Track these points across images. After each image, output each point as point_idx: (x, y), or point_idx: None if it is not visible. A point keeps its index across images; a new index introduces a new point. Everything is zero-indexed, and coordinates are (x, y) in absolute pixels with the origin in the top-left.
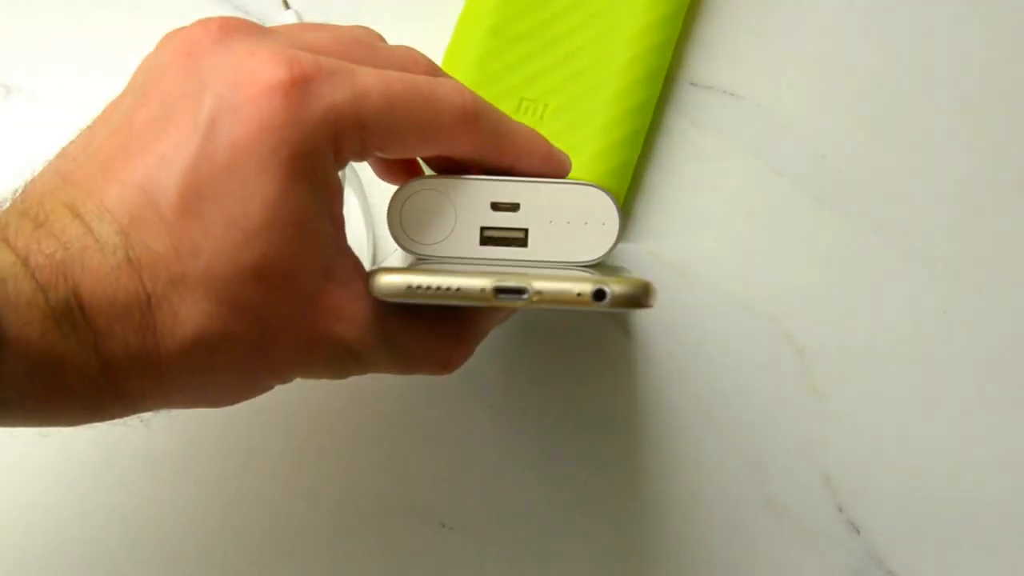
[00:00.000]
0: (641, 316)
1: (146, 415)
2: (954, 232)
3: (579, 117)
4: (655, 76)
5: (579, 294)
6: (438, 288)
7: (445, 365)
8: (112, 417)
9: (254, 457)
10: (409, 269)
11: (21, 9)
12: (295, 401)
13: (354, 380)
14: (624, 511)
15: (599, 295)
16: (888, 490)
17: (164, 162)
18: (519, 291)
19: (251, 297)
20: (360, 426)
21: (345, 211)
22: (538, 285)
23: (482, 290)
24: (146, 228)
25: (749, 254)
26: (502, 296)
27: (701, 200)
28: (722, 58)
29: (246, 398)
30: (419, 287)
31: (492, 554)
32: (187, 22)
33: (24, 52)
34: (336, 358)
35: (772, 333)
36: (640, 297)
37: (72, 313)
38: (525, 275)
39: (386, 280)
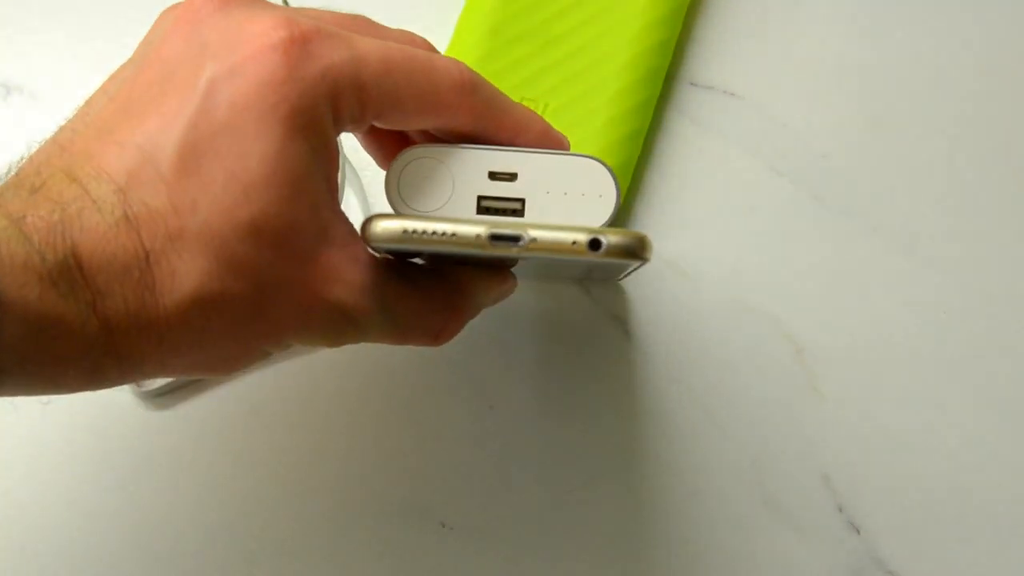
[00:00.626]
0: (641, 316)
1: (149, 416)
2: (954, 232)
3: (579, 117)
4: (655, 76)
5: (574, 242)
6: (434, 233)
7: (437, 335)
8: (111, 383)
9: (253, 457)
10: (405, 215)
11: (21, 9)
12: (294, 401)
13: (355, 379)
14: (624, 511)
15: (595, 244)
16: (888, 490)
17: (163, 122)
18: (515, 238)
19: (249, 255)
20: (360, 426)
21: (344, 209)
22: (534, 233)
23: (477, 236)
24: (144, 186)
25: (749, 254)
26: (497, 243)
27: (701, 200)
28: (722, 58)
29: (244, 365)
30: (415, 231)
31: (492, 554)
32: None
33: (24, 52)
34: (332, 323)
35: (772, 333)
36: (636, 248)
37: (70, 272)
38: (521, 224)
39: (382, 225)
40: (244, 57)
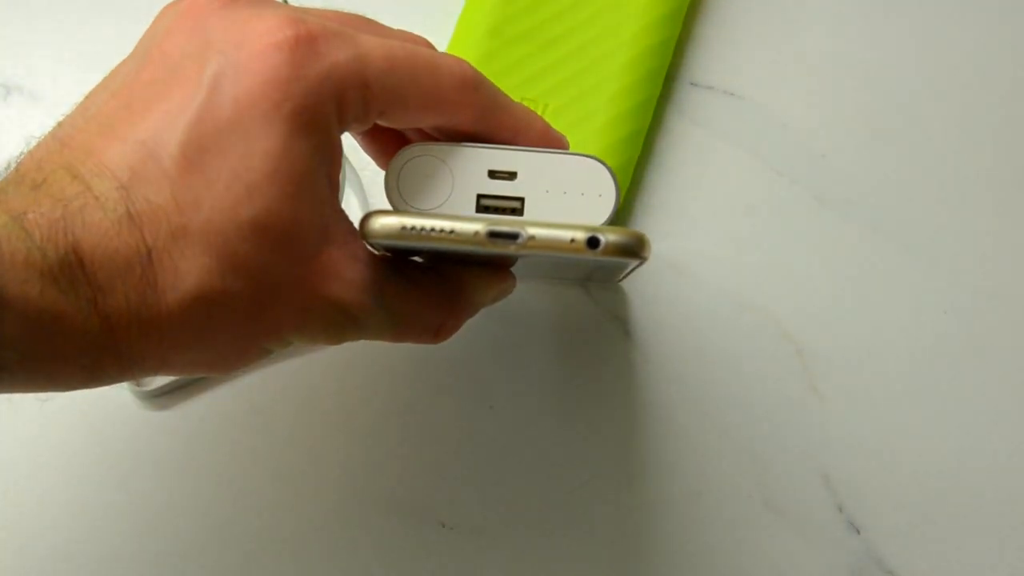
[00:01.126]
0: (641, 316)
1: (149, 416)
2: (954, 232)
3: (579, 117)
4: (655, 76)
5: (572, 240)
6: (432, 229)
7: (436, 333)
8: (111, 380)
9: (253, 457)
10: (403, 212)
11: (21, 9)
12: (294, 401)
13: (355, 379)
14: (624, 511)
15: (593, 243)
16: (888, 490)
17: (166, 118)
18: (513, 235)
19: (250, 254)
20: (360, 426)
21: (344, 208)
22: (532, 230)
23: (476, 233)
24: (147, 183)
25: (749, 254)
26: (495, 240)
27: (701, 200)
28: (722, 58)
29: (244, 363)
30: (413, 228)
31: (492, 554)
32: None
33: (24, 52)
34: (332, 320)
35: (772, 333)
36: (635, 247)
37: (72, 269)
38: (519, 221)
39: (381, 221)
40: (250, 55)
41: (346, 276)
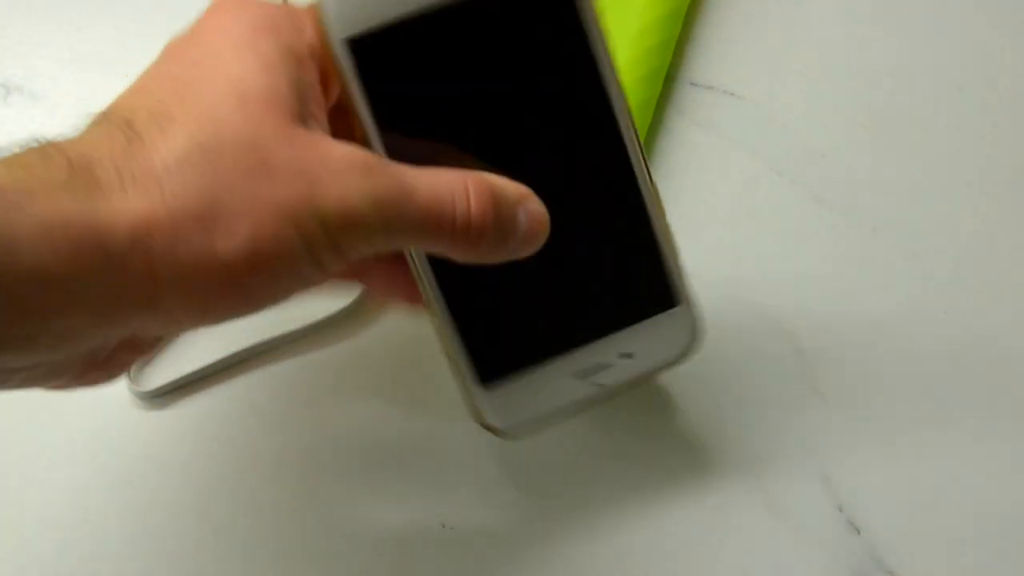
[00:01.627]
0: None
1: (149, 416)
2: (954, 232)
3: None
4: (655, 76)
5: None
6: None
7: (468, 224)
8: (120, 252)
9: (253, 457)
10: None
11: (21, 9)
12: (294, 401)
13: (355, 379)
14: (624, 511)
15: None
16: (888, 490)
17: (149, 80)
18: None
19: (236, 118)
20: (360, 425)
21: None
22: None
23: None
24: (129, 104)
25: (749, 254)
26: None
27: (701, 200)
28: (722, 58)
29: (276, 268)
30: None
31: (492, 554)
32: (187, 22)
33: (24, 52)
34: (355, 191)
35: (772, 333)
36: None
37: (41, 148)
38: None
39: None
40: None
41: (344, 151)
